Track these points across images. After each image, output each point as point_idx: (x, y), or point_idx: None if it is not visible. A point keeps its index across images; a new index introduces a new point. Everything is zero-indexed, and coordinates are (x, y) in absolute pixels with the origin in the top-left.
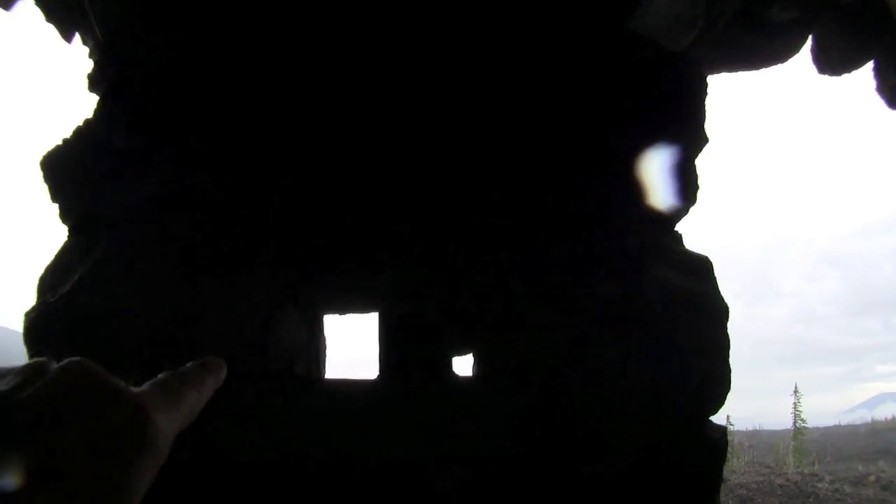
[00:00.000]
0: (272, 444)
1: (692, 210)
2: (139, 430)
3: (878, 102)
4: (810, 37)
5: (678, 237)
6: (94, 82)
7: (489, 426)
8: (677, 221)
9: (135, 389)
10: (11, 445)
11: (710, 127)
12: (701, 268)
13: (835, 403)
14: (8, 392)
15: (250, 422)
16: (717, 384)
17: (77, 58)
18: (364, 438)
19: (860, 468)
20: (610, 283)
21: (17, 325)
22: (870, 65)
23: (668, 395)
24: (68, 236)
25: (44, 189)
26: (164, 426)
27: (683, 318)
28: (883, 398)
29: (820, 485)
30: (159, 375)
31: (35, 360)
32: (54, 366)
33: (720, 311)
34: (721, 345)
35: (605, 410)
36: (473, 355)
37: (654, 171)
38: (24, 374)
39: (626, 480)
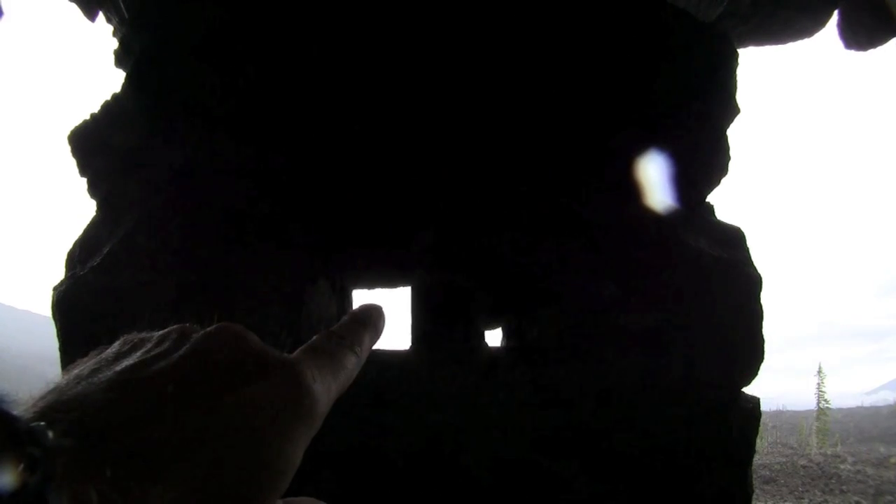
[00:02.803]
0: None
1: (724, 181)
2: (296, 400)
3: None
4: (836, 11)
5: (710, 207)
6: (120, 59)
7: (522, 397)
8: (709, 192)
9: (289, 356)
10: (156, 417)
11: (741, 98)
12: (734, 238)
13: (857, 384)
14: (150, 360)
15: None
16: (750, 354)
17: (103, 36)
18: (398, 409)
19: (882, 450)
20: (642, 251)
21: (19, 304)
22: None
23: (701, 364)
24: (97, 210)
25: (72, 164)
26: (321, 396)
27: (716, 287)
28: None
29: (842, 466)
30: (314, 338)
31: (179, 325)
32: (199, 331)
33: (753, 281)
34: (754, 315)
35: (637, 381)
36: (503, 328)
37: (685, 141)
38: (167, 340)
39: (658, 451)
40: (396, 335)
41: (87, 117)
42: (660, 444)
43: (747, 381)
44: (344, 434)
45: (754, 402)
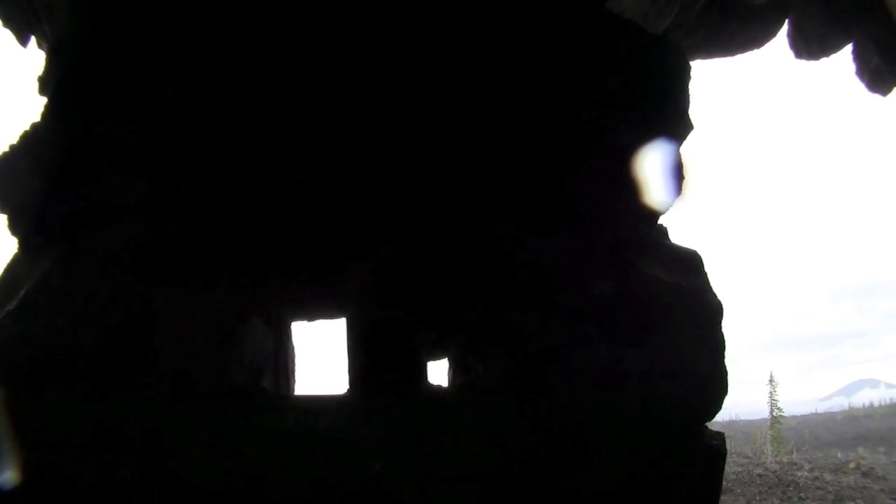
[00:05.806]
0: (236, 469)
1: (679, 202)
2: None
3: (858, 86)
4: (787, 21)
5: (663, 231)
6: (45, 84)
7: (469, 441)
8: (663, 214)
9: None
10: None
11: (694, 114)
12: (690, 263)
13: (812, 391)
14: None
15: (212, 445)
16: (712, 387)
17: (34, 63)
18: (336, 460)
19: (839, 455)
20: (595, 281)
21: None
22: (849, 48)
23: (662, 399)
24: (17, 248)
25: None
26: None
27: (674, 316)
28: (860, 384)
29: (799, 473)
30: None
31: None
32: None
33: (713, 309)
34: (715, 345)
35: (592, 420)
36: (450, 361)
37: (638, 160)
38: None
39: (618, 493)
40: (335, 375)
41: (7, 149)
42: (620, 485)
43: (711, 416)
44: (276, 488)
45: (719, 438)
